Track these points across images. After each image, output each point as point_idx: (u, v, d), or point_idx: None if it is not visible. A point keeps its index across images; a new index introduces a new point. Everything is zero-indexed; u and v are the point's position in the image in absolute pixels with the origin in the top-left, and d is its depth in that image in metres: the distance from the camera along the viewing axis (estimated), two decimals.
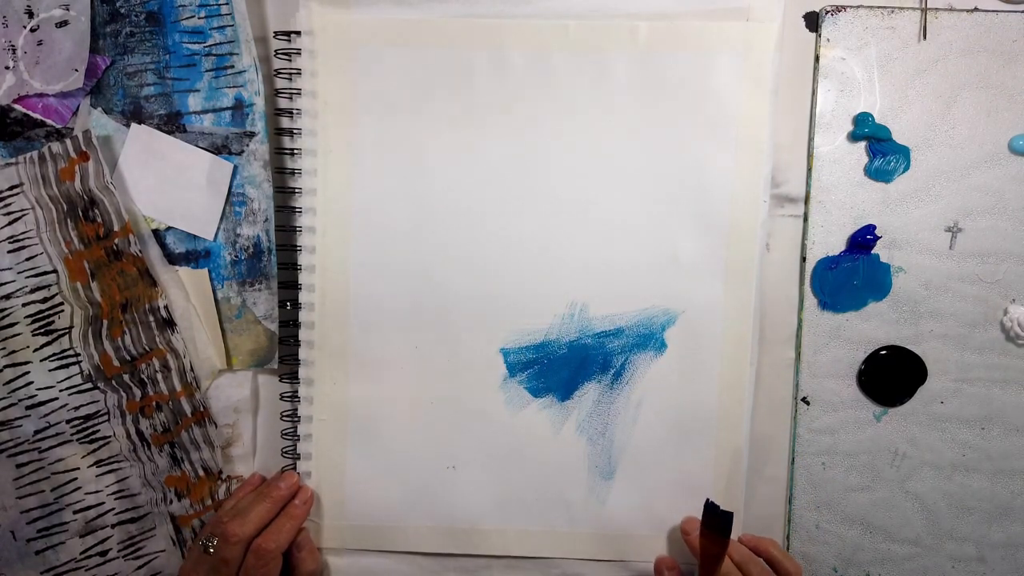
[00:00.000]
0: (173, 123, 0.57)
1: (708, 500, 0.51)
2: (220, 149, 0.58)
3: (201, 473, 0.60)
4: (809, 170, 0.58)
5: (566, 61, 0.56)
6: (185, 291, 0.58)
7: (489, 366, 0.59)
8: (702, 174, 0.56)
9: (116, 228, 0.57)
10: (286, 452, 0.61)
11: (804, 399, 0.59)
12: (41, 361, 0.59)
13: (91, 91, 0.57)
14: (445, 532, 0.60)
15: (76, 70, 0.56)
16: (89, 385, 0.59)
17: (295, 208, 0.59)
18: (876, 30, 0.56)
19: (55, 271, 0.58)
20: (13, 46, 0.56)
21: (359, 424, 0.59)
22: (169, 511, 0.60)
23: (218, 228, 0.58)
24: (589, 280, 0.58)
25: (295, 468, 0.60)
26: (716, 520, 0.51)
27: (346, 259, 0.58)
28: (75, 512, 0.60)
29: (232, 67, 0.57)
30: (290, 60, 0.58)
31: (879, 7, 0.56)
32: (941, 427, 0.59)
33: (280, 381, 0.61)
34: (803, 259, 0.58)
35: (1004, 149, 0.57)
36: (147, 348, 0.58)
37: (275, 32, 0.58)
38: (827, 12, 0.56)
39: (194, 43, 0.57)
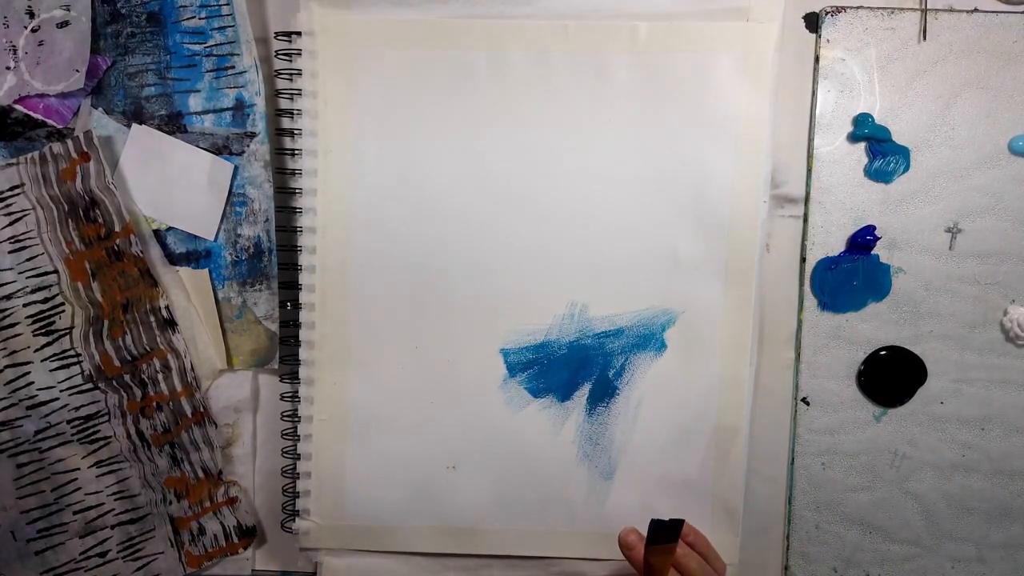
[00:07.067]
0: (174, 123, 0.58)
1: (653, 520, 0.49)
2: (221, 149, 0.58)
3: (200, 475, 0.60)
4: (809, 171, 0.58)
5: (566, 61, 0.56)
6: (186, 291, 0.58)
7: (489, 366, 0.59)
8: (702, 174, 0.56)
9: (117, 228, 0.57)
10: (286, 452, 0.61)
11: (804, 399, 0.59)
12: (42, 361, 0.59)
13: (92, 91, 0.57)
14: (445, 532, 0.60)
15: (77, 70, 0.56)
16: (90, 385, 0.59)
17: (295, 208, 0.59)
18: (876, 31, 0.56)
19: (56, 271, 0.58)
20: (14, 46, 0.56)
21: (359, 424, 0.59)
22: (168, 512, 0.60)
23: (219, 228, 0.58)
24: (589, 280, 0.58)
25: (295, 468, 0.60)
26: (664, 532, 0.49)
27: (346, 259, 0.58)
28: (75, 512, 0.60)
29: (233, 68, 0.57)
30: (291, 61, 0.58)
31: (879, 8, 0.56)
32: (941, 427, 0.59)
33: (280, 381, 0.61)
34: (803, 260, 0.58)
35: (1004, 150, 0.57)
36: (148, 348, 0.58)
37: (276, 33, 0.58)
38: (827, 13, 0.57)
39: (195, 43, 0.57)
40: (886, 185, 0.57)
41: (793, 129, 0.58)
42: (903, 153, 0.57)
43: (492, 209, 0.58)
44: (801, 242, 0.58)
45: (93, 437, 0.60)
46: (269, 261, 0.58)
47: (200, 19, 0.57)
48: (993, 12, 0.56)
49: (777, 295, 0.59)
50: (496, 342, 0.58)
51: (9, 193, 0.58)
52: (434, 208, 0.58)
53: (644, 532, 0.51)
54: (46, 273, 0.58)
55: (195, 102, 0.57)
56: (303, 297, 0.58)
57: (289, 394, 0.61)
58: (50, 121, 0.57)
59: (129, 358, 0.58)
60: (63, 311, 0.58)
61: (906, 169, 0.57)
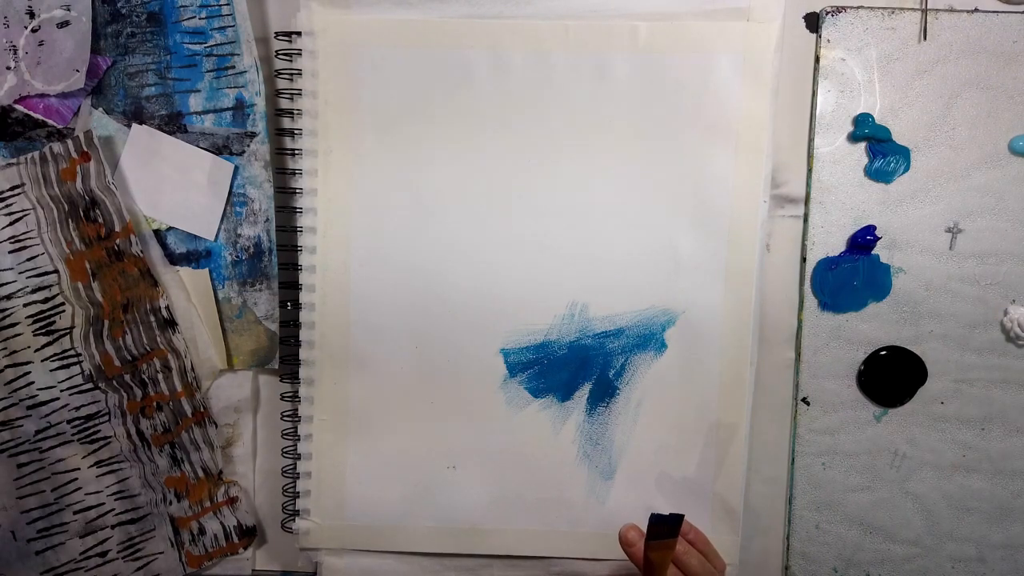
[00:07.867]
0: (174, 123, 0.58)
1: (653, 514, 0.48)
2: (221, 149, 0.58)
3: (200, 474, 0.60)
4: (809, 171, 0.58)
5: (566, 61, 0.56)
6: (186, 291, 0.58)
7: (489, 366, 0.59)
8: (702, 175, 0.56)
9: (117, 228, 0.57)
10: (286, 452, 0.61)
11: (804, 399, 0.59)
12: (42, 361, 0.59)
13: (92, 91, 0.57)
14: (445, 532, 0.60)
15: (77, 70, 0.56)
16: (90, 385, 0.59)
17: (296, 208, 0.59)
18: (876, 31, 0.56)
19: (56, 271, 0.58)
20: (14, 46, 0.56)
21: (359, 424, 0.59)
22: (168, 512, 0.60)
23: (219, 228, 0.58)
24: (589, 280, 0.58)
25: (295, 468, 0.60)
26: (664, 528, 0.49)
27: (346, 259, 0.58)
28: (75, 512, 0.60)
29: (233, 67, 0.57)
30: (291, 61, 0.58)
31: (879, 8, 0.56)
32: (941, 428, 0.59)
33: (280, 381, 0.61)
34: (803, 259, 0.58)
35: (1004, 150, 0.57)
36: (148, 348, 0.58)
37: (276, 33, 0.58)
38: (827, 13, 0.57)
39: (195, 43, 0.57)
40: (886, 185, 0.57)
41: (793, 129, 0.58)
42: (903, 153, 0.57)
43: (492, 209, 0.58)
44: (801, 242, 0.58)
45: (93, 437, 0.60)
46: (269, 261, 0.58)
47: (200, 19, 0.57)
48: (993, 12, 0.56)
49: (777, 295, 0.59)
50: (496, 342, 0.58)
51: (9, 193, 0.58)
52: (434, 208, 0.58)
53: (645, 529, 0.50)
54: (46, 273, 0.58)
55: (195, 102, 0.57)
56: (303, 297, 0.58)
57: (289, 394, 0.61)
58: (50, 121, 0.57)
59: (129, 358, 0.58)
60: (63, 311, 0.58)
61: (906, 169, 0.57)
